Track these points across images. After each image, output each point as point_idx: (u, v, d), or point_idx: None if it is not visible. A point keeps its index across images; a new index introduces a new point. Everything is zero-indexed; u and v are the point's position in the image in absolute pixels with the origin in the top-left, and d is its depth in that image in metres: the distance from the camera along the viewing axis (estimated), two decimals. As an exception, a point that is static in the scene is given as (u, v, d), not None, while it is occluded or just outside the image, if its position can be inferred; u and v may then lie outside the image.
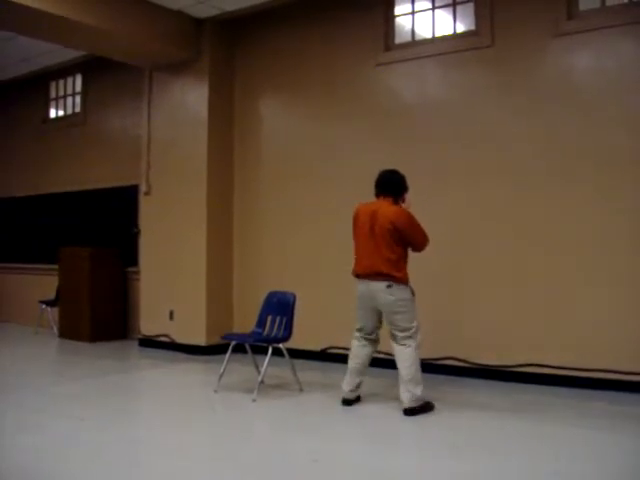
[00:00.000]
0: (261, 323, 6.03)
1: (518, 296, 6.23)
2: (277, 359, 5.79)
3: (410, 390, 5.02)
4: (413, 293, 5.24)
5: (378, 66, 7.19)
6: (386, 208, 5.20)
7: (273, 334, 5.87)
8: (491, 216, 6.41)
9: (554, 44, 6.16)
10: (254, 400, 5.46)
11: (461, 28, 6.85)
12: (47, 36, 7.53)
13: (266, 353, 5.60)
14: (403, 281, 5.15)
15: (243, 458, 4.08)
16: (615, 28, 5.87)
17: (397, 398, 5.11)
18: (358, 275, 5.31)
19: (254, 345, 6.01)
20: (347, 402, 5.37)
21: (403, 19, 7.22)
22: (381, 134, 7.09)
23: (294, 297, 5.89)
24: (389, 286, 5.10)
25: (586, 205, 5.95)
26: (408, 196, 5.39)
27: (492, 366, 6.33)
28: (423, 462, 4.02)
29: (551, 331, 6.02)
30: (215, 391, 5.81)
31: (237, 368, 6.48)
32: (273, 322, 5.95)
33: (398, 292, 5.12)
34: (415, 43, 7.08)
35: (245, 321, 7.58)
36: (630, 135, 5.75)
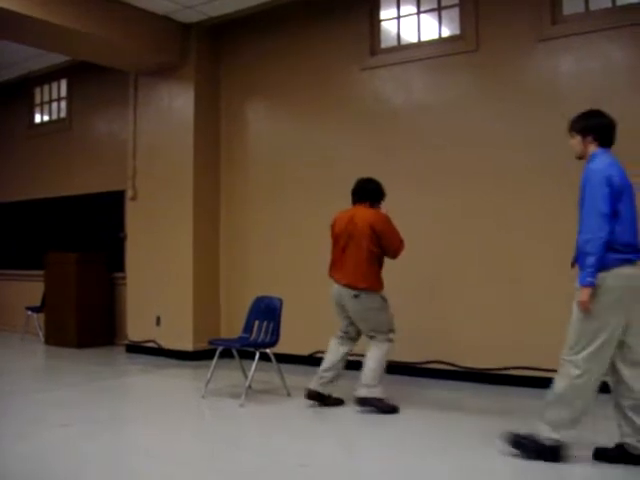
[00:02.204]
0: (248, 328, 6.03)
1: (506, 298, 6.25)
2: (264, 364, 5.78)
3: (368, 385, 5.07)
4: (385, 300, 5.25)
5: (364, 70, 7.21)
6: (363, 212, 5.23)
7: (260, 339, 5.86)
8: (477, 218, 6.43)
9: (539, 48, 6.20)
10: (242, 405, 5.45)
11: (446, 32, 6.88)
12: (31, 41, 7.50)
13: (253, 358, 5.58)
14: (373, 289, 5.17)
15: (231, 463, 4.06)
16: (599, 32, 5.92)
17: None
18: (332, 277, 5.38)
19: (241, 350, 5.99)
20: (310, 394, 5.33)
21: (389, 23, 7.24)
22: (367, 138, 7.10)
23: (281, 302, 5.88)
24: (356, 295, 5.14)
25: (572, 208, 5.96)
26: (384, 205, 5.41)
27: (479, 369, 6.34)
28: (411, 465, 4.01)
29: (539, 333, 6.03)
30: (203, 396, 5.79)
31: (224, 373, 6.46)
32: (260, 327, 5.94)
33: (366, 301, 5.15)
34: (401, 47, 7.10)
35: (232, 326, 7.57)
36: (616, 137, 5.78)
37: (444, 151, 6.64)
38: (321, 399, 5.34)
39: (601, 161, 3.84)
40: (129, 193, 8.64)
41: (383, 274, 5.31)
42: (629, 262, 3.72)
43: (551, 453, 3.80)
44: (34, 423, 4.95)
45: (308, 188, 7.48)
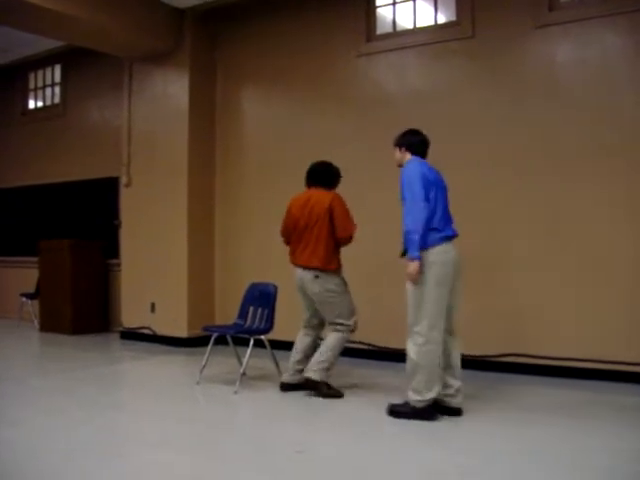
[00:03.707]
0: (243, 315, 6.01)
1: (499, 285, 6.25)
2: (259, 351, 5.78)
3: (318, 367, 5.18)
4: (345, 282, 5.30)
5: (360, 57, 7.18)
6: (320, 194, 5.32)
7: (255, 325, 5.85)
8: (472, 206, 6.42)
9: (535, 35, 6.17)
10: (236, 392, 5.45)
11: (442, 19, 6.85)
12: (25, 26, 7.44)
13: (248, 345, 5.58)
14: (332, 269, 5.23)
15: (226, 450, 4.07)
16: (596, 19, 5.90)
17: (378, 389, 5.11)
18: (294, 264, 5.43)
19: (236, 337, 5.99)
20: (285, 387, 5.45)
21: (384, 10, 7.21)
22: (363, 124, 7.08)
23: (275, 288, 5.87)
24: (316, 276, 5.20)
25: (568, 194, 5.97)
26: (339, 190, 5.47)
27: (473, 356, 6.35)
28: (408, 452, 4.02)
29: (533, 321, 6.06)
30: (197, 383, 5.80)
31: (219, 360, 6.46)
32: (255, 313, 5.93)
33: (326, 282, 5.20)
34: (397, 34, 7.08)
35: (227, 313, 7.56)
36: (612, 125, 5.78)
37: (440, 138, 6.59)
38: (295, 388, 5.44)
39: (414, 164, 4.75)
40: (123, 180, 8.61)
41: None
42: (447, 239, 4.60)
43: (424, 413, 4.51)
44: (27, 409, 4.96)
45: (303, 174, 7.43)
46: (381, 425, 4.61)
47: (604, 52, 5.89)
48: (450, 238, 4.64)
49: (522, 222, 6.16)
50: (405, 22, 7.06)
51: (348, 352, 6.75)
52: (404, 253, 4.57)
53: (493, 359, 6.25)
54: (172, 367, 6.88)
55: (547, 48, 6.14)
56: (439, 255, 4.51)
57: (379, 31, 7.18)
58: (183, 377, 6.32)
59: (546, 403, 5.13)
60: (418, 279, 4.46)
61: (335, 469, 3.71)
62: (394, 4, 7.12)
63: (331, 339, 5.27)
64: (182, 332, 7.92)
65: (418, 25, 6.96)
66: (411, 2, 7.00)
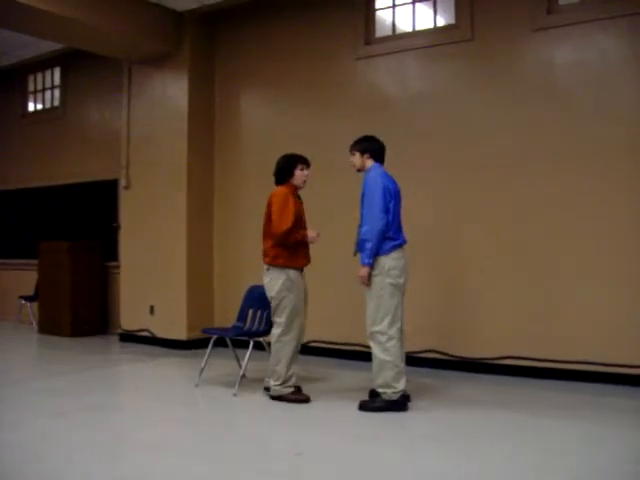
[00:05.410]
0: (242, 317, 6.02)
1: (499, 289, 6.26)
2: (258, 353, 5.78)
3: (273, 386, 5.30)
4: (291, 280, 5.28)
5: (358, 59, 7.19)
6: (273, 192, 5.45)
7: (254, 328, 5.85)
8: (474, 209, 6.43)
9: (534, 38, 6.19)
10: (235, 394, 5.45)
11: (441, 22, 6.86)
12: (24, 28, 7.43)
13: (247, 347, 5.58)
14: (279, 266, 5.27)
15: (226, 452, 4.07)
16: (594, 22, 5.91)
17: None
18: None
19: (235, 339, 5.99)
20: (267, 389, 5.48)
21: (384, 12, 7.22)
22: (362, 127, 7.04)
23: (275, 291, 5.87)
24: (267, 269, 5.34)
25: (569, 195, 5.98)
26: (299, 172, 5.53)
27: (473, 359, 6.36)
28: (406, 454, 4.03)
29: (532, 323, 6.06)
30: (196, 385, 5.80)
31: (218, 362, 6.47)
32: (254, 316, 5.93)
33: (273, 275, 5.29)
34: (396, 36, 7.08)
35: (226, 315, 7.55)
36: (610, 126, 5.79)
37: (439, 140, 6.63)
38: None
39: (377, 172, 5.07)
40: (123, 182, 8.61)
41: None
42: (400, 246, 5.01)
43: (396, 405, 4.89)
44: (27, 412, 4.96)
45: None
46: (380, 427, 4.61)
47: (603, 54, 5.90)
48: (402, 246, 5.06)
49: (521, 223, 6.17)
50: (404, 25, 7.06)
51: (347, 355, 6.79)
52: (356, 252, 5.05)
53: (492, 362, 6.25)
54: (171, 369, 6.88)
55: (546, 51, 6.15)
56: (394, 261, 4.94)
57: (378, 34, 7.19)
58: (182, 379, 6.32)
59: (545, 405, 5.14)
60: (368, 283, 4.93)
61: (334, 471, 3.72)
62: (393, 7, 7.13)
63: (273, 353, 5.30)
64: (181, 334, 7.92)
65: (417, 28, 6.96)
66: (410, 5, 7.01)
